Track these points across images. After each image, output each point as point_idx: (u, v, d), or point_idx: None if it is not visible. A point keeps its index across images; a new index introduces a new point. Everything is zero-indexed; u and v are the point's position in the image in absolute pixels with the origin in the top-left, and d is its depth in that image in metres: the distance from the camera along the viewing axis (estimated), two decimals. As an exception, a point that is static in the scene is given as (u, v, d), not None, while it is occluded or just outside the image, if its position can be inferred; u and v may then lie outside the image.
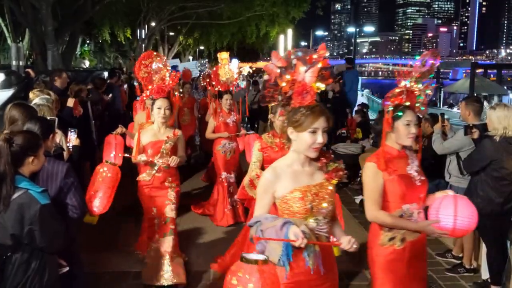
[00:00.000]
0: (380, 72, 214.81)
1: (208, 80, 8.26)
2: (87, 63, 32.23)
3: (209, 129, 7.13)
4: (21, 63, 9.19)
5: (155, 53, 5.03)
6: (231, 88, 7.37)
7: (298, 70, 2.56)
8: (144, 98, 5.19)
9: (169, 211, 4.83)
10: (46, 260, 2.92)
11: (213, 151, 7.24)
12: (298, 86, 2.57)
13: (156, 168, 4.78)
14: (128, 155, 5.08)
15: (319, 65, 2.57)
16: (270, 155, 4.62)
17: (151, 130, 4.80)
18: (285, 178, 2.64)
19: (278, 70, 2.61)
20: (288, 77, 2.57)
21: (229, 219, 6.79)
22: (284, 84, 2.59)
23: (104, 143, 5.75)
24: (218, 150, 7.07)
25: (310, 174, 2.70)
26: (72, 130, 4.48)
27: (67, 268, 3.20)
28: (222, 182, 7.07)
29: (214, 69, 7.64)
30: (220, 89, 7.27)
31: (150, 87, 4.80)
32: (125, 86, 13.45)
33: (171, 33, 36.69)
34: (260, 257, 2.12)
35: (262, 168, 4.61)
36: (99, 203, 4.12)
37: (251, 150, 5.26)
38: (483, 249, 4.99)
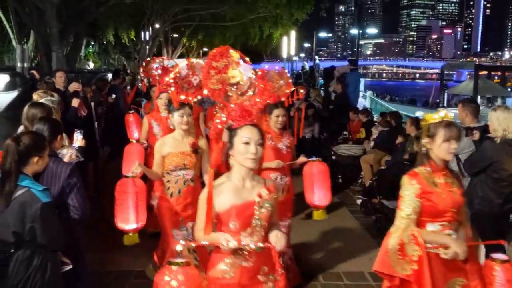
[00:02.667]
0: (384, 74, 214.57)
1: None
2: (91, 65, 32.38)
3: None
4: (25, 64, 9.27)
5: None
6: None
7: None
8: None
9: None
10: (48, 257, 2.98)
11: None
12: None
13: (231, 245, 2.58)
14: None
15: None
16: None
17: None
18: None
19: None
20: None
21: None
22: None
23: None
24: None
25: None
26: (78, 131, 4.54)
27: (70, 266, 3.24)
28: None
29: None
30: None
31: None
32: (128, 87, 13.51)
33: (175, 35, 36.81)
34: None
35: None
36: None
37: (314, 186, 4.84)
38: (482, 250, 5.01)
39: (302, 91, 6.10)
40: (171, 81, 4.07)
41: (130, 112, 7.87)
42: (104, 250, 5.55)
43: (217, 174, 2.81)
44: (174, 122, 4.23)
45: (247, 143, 2.64)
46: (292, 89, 4.43)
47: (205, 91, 3.70)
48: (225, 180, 2.75)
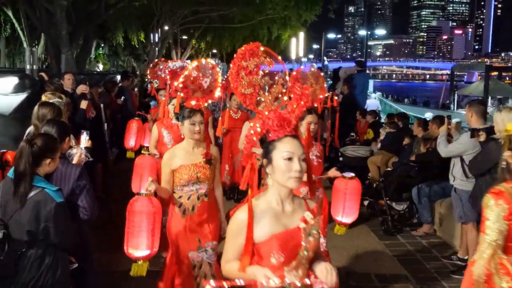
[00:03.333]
0: (394, 75, 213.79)
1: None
2: (101, 67, 32.60)
3: None
4: (34, 67, 9.35)
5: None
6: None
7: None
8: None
9: None
10: (58, 256, 3.06)
11: None
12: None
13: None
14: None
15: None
16: None
17: None
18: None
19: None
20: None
21: None
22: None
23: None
24: None
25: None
26: (85, 132, 4.60)
27: (76, 265, 3.31)
28: None
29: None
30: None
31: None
32: (136, 89, 13.58)
33: (184, 37, 36.97)
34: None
35: None
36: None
37: (344, 204, 4.28)
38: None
39: (336, 97, 5.52)
40: (181, 85, 3.64)
41: (135, 117, 7.75)
42: (111, 250, 5.58)
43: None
44: (185, 131, 3.77)
45: (289, 159, 2.24)
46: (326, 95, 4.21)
47: (216, 94, 3.82)
48: (260, 203, 2.33)
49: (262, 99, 2.45)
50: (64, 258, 3.14)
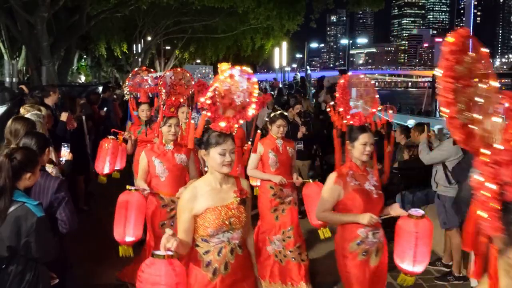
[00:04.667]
0: (376, 83, 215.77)
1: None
2: (83, 78, 32.37)
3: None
4: (14, 79, 9.25)
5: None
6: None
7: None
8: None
9: None
10: (39, 271, 2.99)
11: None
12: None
13: None
14: None
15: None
16: None
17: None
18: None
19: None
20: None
21: None
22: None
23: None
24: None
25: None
26: (65, 145, 4.55)
27: (57, 280, 3.25)
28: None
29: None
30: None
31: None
32: (118, 101, 13.49)
33: (167, 47, 36.99)
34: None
35: None
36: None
37: (416, 250, 3.39)
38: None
39: (391, 111, 3.96)
40: (208, 101, 2.70)
41: (109, 136, 6.12)
42: (94, 263, 5.53)
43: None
44: (210, 162, 2.84)
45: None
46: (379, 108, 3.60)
47: (250, 112, 2.83)
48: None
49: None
50: (45, 273, 3.08)
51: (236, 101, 2.81)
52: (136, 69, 6.92)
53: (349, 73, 3.99)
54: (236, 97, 2.80)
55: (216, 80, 2.78)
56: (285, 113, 5.33)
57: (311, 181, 5.01)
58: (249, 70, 2.87)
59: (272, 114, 5.17)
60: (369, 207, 3.44)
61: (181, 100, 4.69)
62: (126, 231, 4.22)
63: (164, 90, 4.61)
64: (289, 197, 5.13)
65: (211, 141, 2.80)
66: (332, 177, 3.52)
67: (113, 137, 6.05)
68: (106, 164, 5.86)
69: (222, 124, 2.78)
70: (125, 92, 8.14)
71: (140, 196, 4.32)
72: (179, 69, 4.96)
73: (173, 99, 4.58)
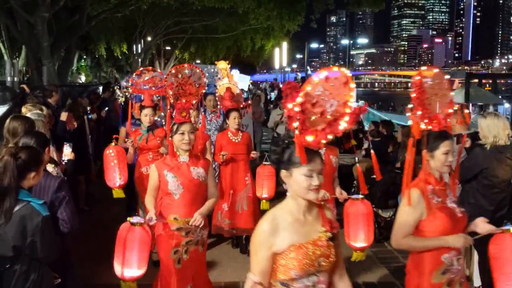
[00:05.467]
0: (376, 84, 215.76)
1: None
2: (83, 78, 32.36)
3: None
4: (15, 79, 9.23)
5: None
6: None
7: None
8: None
9: None
10: (43, 271, 2.98)
11: None
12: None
13: None
14: None
15: None
16: None
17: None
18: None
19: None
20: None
21: None
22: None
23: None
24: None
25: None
26: (67, 144, 4.52)
27: (59, 280, 3.23)
28: None
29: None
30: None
31: None
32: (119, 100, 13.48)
33: (167, 48, 36.99)
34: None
35: None
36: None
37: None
38: (475, 257, 5.01)
39: (467, 110, 3.75)
40: (297, 108, 2.17)
41: (112, 144, 5.34)
42: (95, 263, 5.50)
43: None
44: (295, 185, 2.28)
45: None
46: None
47: (342, 126, 2.25)
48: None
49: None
50: (49, 273, 3.07)
51: (327, 111, 2.22)
52: (141, 68, 6.16)
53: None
54: (328, 106, 2.23)
55: (309, 83, 2.20)
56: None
57: (359, 197, 4.06)
58: (347, 72, 2.26)
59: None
60: (454, 228, 2.95)
61: (194, 102, 4.17)
62: (125, 270, 3.46)
63: (171, 92, 4.13)
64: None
65: (294, 159, 2.25)
66: (413, 194, 2.91)
67: (116, 143, 5.40)
68: (116, 175, 5.16)
69: (309, 138, 2.20)
70: (126, 94, 7.01)
71: (143, 233, 3.42)
72: (186, 65, 4.33)
73: (184, 101, 4.05)
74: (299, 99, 2.17)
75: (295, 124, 2.17)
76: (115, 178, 5.12)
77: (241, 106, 6.37)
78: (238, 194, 5.97)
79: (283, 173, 2.31)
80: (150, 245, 3.52)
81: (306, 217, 2.33)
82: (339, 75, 2.22)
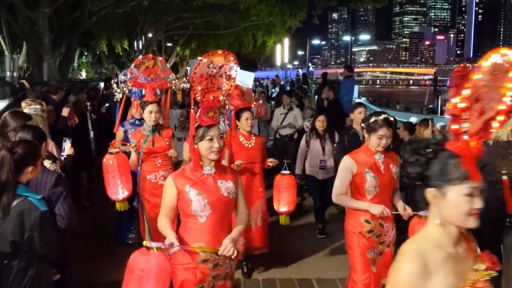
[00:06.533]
0: (378, 81, 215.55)
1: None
2: (84, 75, 32.38)
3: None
4: (15, 74, 9.20)
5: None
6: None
7: None
8: None
9: None
10: (42, 268, 2.95)
11: None
12: None
13: None
14: None
15: None
16: None
17: None
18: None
19: None
20: None
21: None
22: None
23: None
24: None
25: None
26: (66, 140, 4.49)
27: (58, 276, 3.21)
28: None
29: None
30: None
31: None
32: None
33: (168, 44, 36.98)
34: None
35: None
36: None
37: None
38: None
39: None
40: (462, 104, 1.77)
41: (111, 151, 4.76)
42: (95, 261, 5.48)
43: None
44: (447, 210, 1.81)
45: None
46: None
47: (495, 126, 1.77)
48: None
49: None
50: (47, 269, 3.04)
51: (486, 108, 1.72)
52: (140, 57, 5.14)
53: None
54: (487, 102, 1.72)
55: (481, 72, 1.74)
56: (391, 118, 3.87)
57: (426, 214, 3.63)
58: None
59: (373, 119, 3.76)
60: None
61: (222, 99, 3.18)
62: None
63: (199, 87, 3.15)
64: (389, 235, 3.82)
65: (452, 174, 1.75)
66: None
67: (116, 150, 4.78)
68: (119, 188, 4.72)
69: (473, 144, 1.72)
70: (123, 89, 6.00)
71: (163, 261, 2.74)
72: (220, 51, 3.30)
73: (211, 98, 3.13)
74: (466, 92, 1.72)
75: (460, 125, 1.71)
76: (118, 191, 4.71)
77: (254, 105, 5.54)
78: (252, 208, 4.99)
79: (430, 192, 1.82)
80: (170, 278, 2.81)
81: (458, 249, 1.84)
82: (503, 61, 1.72)
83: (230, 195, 3.08)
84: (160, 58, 5.14)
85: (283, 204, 5.02)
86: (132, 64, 5.04)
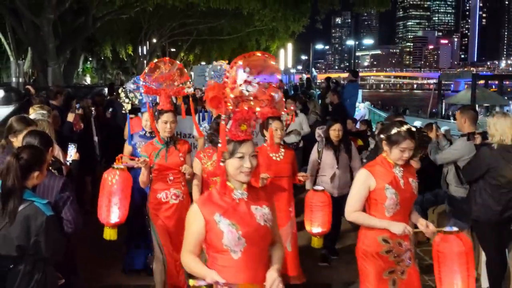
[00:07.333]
0: (382, 85, 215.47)
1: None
2: (88, 80, 32.51)
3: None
4: (21, 79, 9.26)
5: None
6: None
7: None
8: None
9: None
10: (47, 272, 2.97)
11: None
12: None
13: None
14: None
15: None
16: None
17: None
18: None
19: None
20: None
21: None
22: None
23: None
24: None
25: None
26: (72, 145, 4.51)
27: (63, 280, 3.22)
28: None
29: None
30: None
31: None
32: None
33: (172, 49, 37.10)
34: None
35: None
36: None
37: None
38: (483, 257, 4.96)
39: None
40: None
41: (115, 166, 4.16)
42: (99, 266, 5.49)
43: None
44: None
45: None
46: None
47: None
48: None
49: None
50: (53, 273, 3.06)
51: None
52: (156, 60, 4.48)
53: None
54: None
55: None
56: (413, 128, 3.50)
57: (452, 230, 3.27)
58: None
59: (395, 130, 3.35)
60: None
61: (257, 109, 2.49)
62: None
63: (232, 95, 2.43)
64: (407, 253, 3.45)
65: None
66: None
67: (121, 166, 4.16)
68: (112, 208, 4.11)
69: None
70: (132, 98, 5.38)
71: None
72: (258, 53, 2.58)
73: (246, 108, 2.46)
74: None
75: None
76: (110, 213, 4.09)
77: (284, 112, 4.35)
78: (280, 228, 3.84)
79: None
80: None
81: None
82: None
83: (267, 223, 2.54)
84: (178, 62, 4.35)
85: (317, 225, 4.50)
86: (146, 68, 4.45)
